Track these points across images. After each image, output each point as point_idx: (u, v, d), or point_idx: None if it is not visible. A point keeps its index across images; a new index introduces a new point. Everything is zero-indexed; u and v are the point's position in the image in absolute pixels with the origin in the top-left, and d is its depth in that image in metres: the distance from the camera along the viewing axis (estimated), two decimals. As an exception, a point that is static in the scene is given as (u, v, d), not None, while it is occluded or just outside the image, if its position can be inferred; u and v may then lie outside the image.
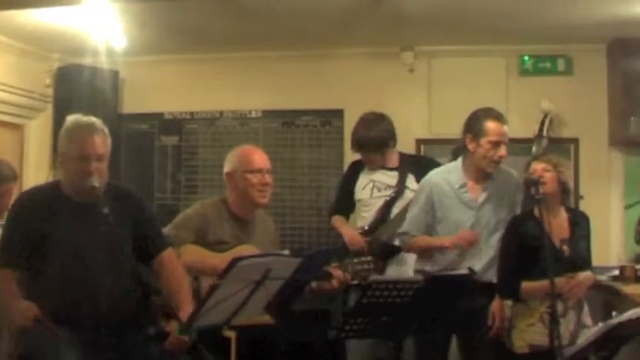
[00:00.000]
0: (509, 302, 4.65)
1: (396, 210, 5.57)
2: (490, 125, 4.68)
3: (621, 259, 6.46)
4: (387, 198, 5.62)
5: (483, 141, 4.67)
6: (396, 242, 5.28)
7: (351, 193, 5.86)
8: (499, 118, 4.74)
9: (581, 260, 4.52)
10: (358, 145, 5.75)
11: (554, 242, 4.43)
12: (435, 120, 7.02)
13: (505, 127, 4.72)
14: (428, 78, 7.08)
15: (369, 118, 5.77)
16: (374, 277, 3.94)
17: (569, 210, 4.72)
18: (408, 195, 5.45)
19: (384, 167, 5.73)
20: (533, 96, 6.66)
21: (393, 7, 5.67)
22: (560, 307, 4.27)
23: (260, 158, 4.72)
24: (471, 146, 4.73)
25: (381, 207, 5.63)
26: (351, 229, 5.76)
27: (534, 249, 4.41)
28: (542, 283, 4.23)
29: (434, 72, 7.07)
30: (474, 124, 4.73)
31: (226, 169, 4.74)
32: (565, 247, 4.50)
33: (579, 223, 4.65)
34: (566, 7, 5.68)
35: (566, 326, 4.30)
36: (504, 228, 4.72)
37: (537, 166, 4.54)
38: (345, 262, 5.01)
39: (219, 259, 4.03)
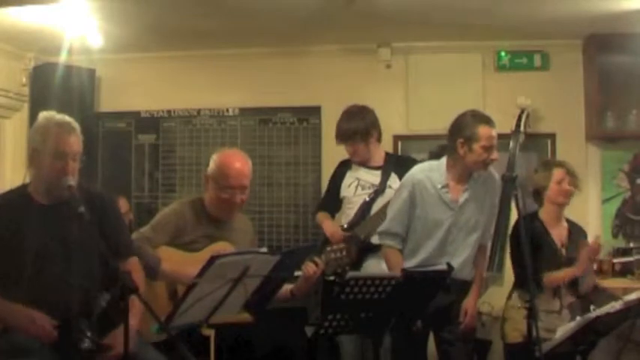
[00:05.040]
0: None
1: (376, 208, 5.58)
2: (483, 130, 4.65)
3: (599, 253, 6.49)
4: (370, 196, 5.64)
5: (476, 146, 4.65)
6: (374, 240, 5.30)
7: (338, 191, 5.87)
8: (489, 122, 4.72)
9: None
10: (341, 136, 5.74)
11: (556, 243, 4.84)
12: (412, 116, 7.02)
13: (495, 131, 4.72)
14: (405, 74, 7.08)
15: (351, 110, 5.79)
16: (352, 273, 3.93)
17: (568, 221, 5.05)
18: (389, 194, 5.44)
19: (369, 166, 5.74)
20: (509, 91, 6.67)
21: (369, 3, 5.67)
22: (557, 304, 4.73)
23: (236, 175, 4.51)
24: (462, 151, 4.70)
25: (361, 205, 5.64)
26: (333, 224, 5.77)
27: (537, 247, 4.73)
28: (565, 271, 4.76)
29: (411, 68, 7.07)
30: (464, 129, 4.70)
31: (208, 170, 4.64)
32: (563, 250, 4.85)
33: (576, 233, 5.00)
34: (542, 3, 5.69)
35: (559, 323, 4.44)
36: (481, 229, 4.87)
37: (564, 176, 4.94)
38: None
39: (196, 267, 3.89)
